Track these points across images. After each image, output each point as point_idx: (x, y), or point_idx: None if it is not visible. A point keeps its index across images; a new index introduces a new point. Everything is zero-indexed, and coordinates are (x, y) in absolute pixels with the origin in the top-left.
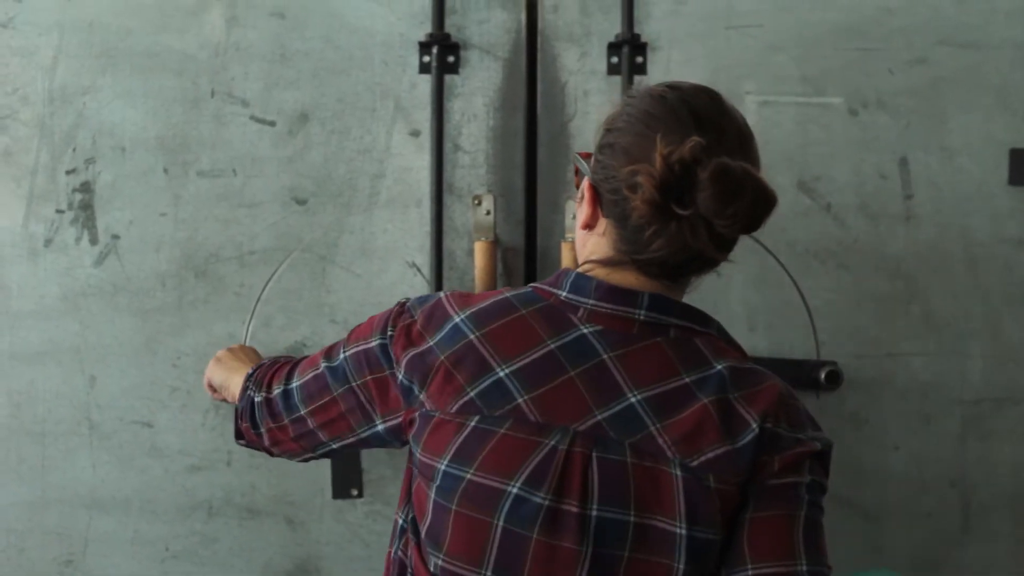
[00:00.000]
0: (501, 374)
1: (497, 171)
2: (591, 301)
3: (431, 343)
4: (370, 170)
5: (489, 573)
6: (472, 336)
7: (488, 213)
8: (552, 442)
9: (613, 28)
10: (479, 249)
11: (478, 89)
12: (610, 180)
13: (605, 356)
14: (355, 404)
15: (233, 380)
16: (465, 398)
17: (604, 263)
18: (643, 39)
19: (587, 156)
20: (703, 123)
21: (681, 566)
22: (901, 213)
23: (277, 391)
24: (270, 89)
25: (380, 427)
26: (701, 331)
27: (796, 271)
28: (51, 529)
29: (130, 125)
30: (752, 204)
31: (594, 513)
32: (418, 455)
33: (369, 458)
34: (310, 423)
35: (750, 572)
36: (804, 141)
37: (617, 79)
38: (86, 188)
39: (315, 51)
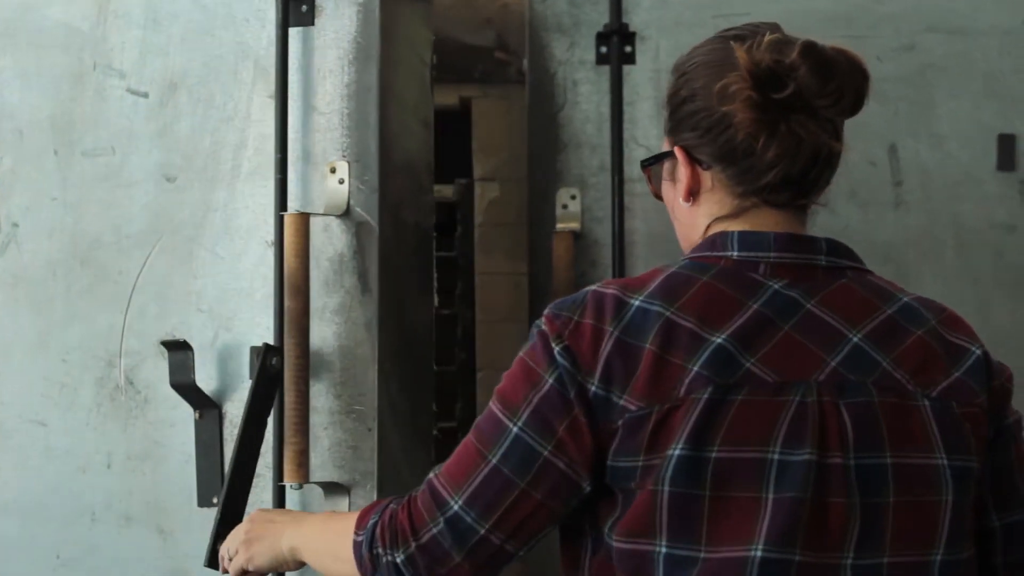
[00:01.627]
0: (719, 340)
1: (352, 133)
2: (772, 254)
3: (616, 333)
4: (232, 140)
5: (760, 548)
6: (668, 313)
7: (342, 182)
8: (797, 398)
9: (601, 18)
10: (288, 222)
11: (332, 41)
12: (700, 122)
13: (808, 305)
14: (557, 480)
15: (311, 546)
16: (691, 376)
17: (733, 215)
18: (631, 28)
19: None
20: (771, 30)
21: (949, 498)
22: (891, 200)
23: (433, 529)
24: (144, 57)
25: (587, 488)
26: (866, 269)
27: None
28: None
29: (26, 106)
30: (850, 75)
31: (852, 462)
32: (623, 464)
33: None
34: (496, 539)
35: None
36: None
37: (606, 69)
38: None
39: (183, 12)
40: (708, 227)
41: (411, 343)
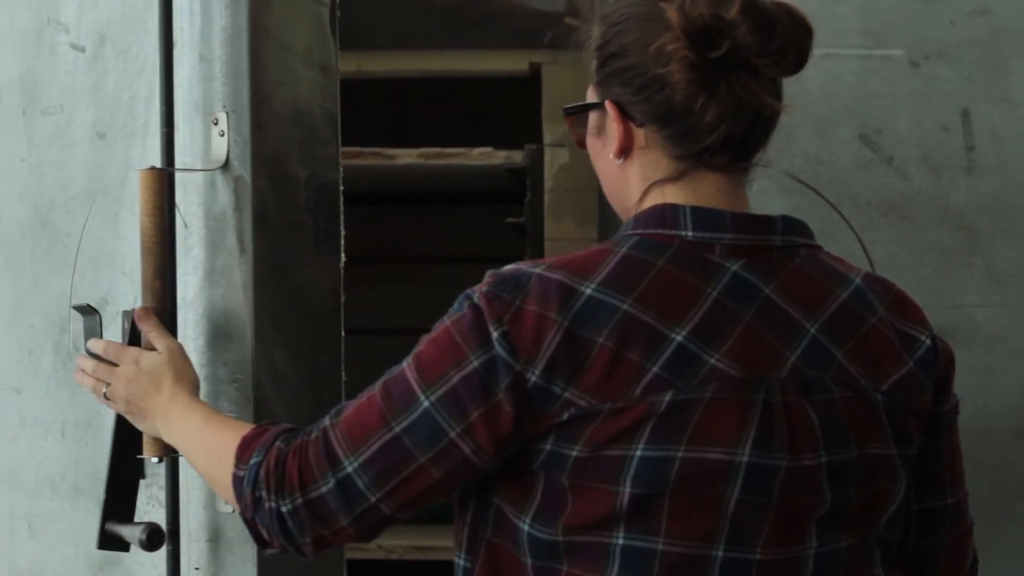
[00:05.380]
0: (679, 338)
1: (229, 82)
2: (728, 236)
3: (566, 324)
4: (143, 94)
5: (721, 547)
6: (624, 305)
7: (223, 135)
8: (762, 396)
9: None
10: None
11: None
12: (633, 80)
13: (767, 290)
14: (459, 463)
15: (185, 450)
16: (649, 376)
17: (672, 179)
18: None
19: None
20: None
21: (900, 487)
22: (963, 165)
23: (322, 487)
24: (81, 10)
25: (489, 471)
26: (817, 245)
27: (858, 224)
28: None
29: (3, 66)
30: (793, 32)
31: (824, 460)
32: (575, 453)
33: None
34: (385, 508)
35: (950, 502)
36: (865, 93)
37: None
38: None
39: None
40: (646, 191)
41: (302, 308)
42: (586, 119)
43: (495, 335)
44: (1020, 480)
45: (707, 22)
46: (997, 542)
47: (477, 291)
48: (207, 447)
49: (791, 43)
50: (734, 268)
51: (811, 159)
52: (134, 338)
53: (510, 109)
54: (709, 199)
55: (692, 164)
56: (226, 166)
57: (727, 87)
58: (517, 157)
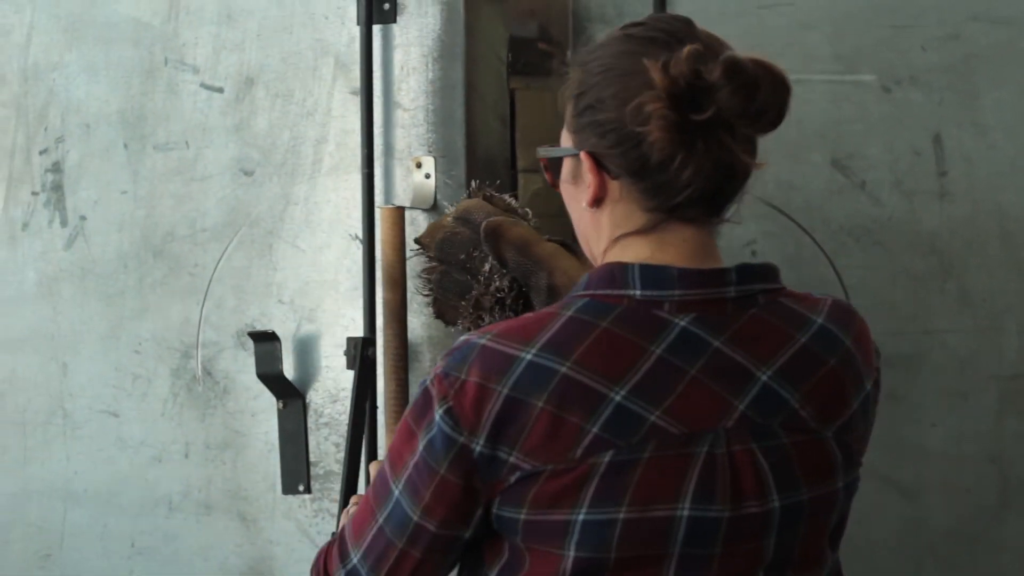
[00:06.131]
0: (618, 398)
1: (437, 129)
2: (677, 292)
3: (504, 391)
4: (313, 135)
5: None
6: (563, 368)
7: (428, 177)
8: (705, 449)
9: (645, 8)
10: (384, 216)
11: (416, 39)
12: (608, 134)
13: (716, 343)
14: (431, 540)
15: None
16: (589, 437)
17: (641, 231)
18: None
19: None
20: (686, 37)
21: (834, 518)
22: (935, 190)
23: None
24: (218, 53)
25: (467, 536)
26: (779, 288)
27: (831, 249)
28: (32, 522)
29: (94, 100)
30: (774, 93)
31: (776, 505)
32: (523, 516)
33: (317, 452)
34: None
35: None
36: (837, 119)
37: None
38: (56, 168)
39: (259, 9)
40: (615, 241)
41: None
42: (560, 163)
43: (438, 414)
44: (995, 504)
45: (690, 83)
46: (971, 567)
47: (432, 374)
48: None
49: (771, 103)
50: (682, 324)
51: (783, 184)
52: (363, 365)
53: None
54: (677, 251)
55: (663, 217)
56: (434, 206)
57: (704, 146)
58: None
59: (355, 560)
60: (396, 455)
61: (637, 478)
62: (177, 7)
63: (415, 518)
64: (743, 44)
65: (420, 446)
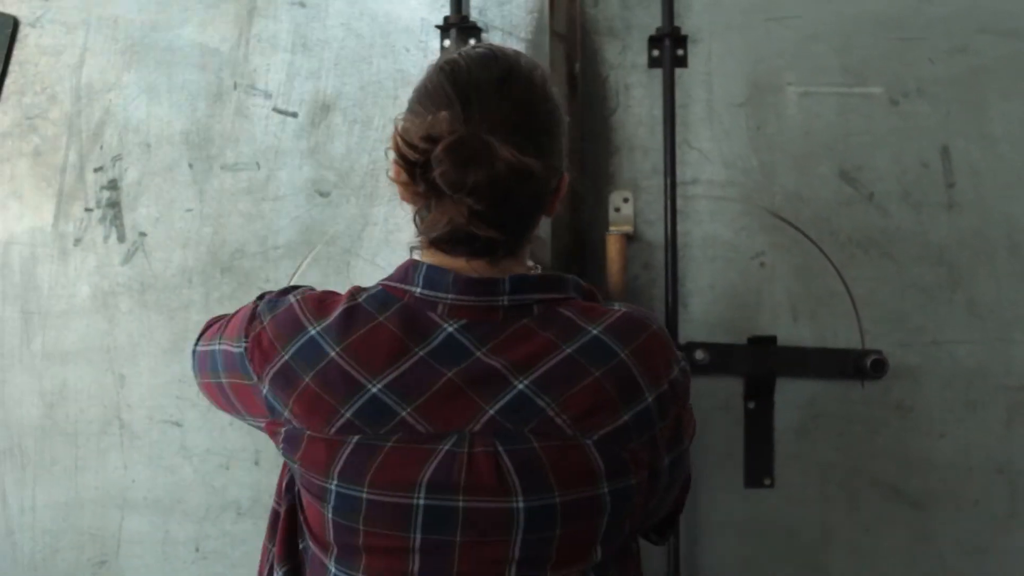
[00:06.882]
0: (374, 390)
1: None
2: (450, 296)
3: (286, 357)
4: None
5: None
6: (333, 352)
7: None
8: (447, 447)
9: (654, 21)
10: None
11: None
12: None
13: (479, 353)
14: (226, 395)
15: None
16: (342, 420)
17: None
18: (683, 32)
19: None
20: (468, 97)
21: (605, 519)
22: (943, 201)
23: (193, 348)
24: (292, 79)
25: (250, 422)
26: (562, 298)
27: (840, 260)
28: (84, 529)
29: (155, 121)
30: (489, 177)
31: (520, 505)
32: (298, 467)
33: None
34: (203, 392)
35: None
36: (845, 131)
37: (658, 72)
38: (113, 186)
39: (336, 39)
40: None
41: None
42: None
43: (244, 343)
44: (1004, 515)
45: (419, 152)
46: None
47: (258, 303)
48: None
49: (487, 179)
50: (450, 329)
51: (792, 196)
52: None
53: None
54: (455, 261)
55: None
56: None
57: (438, 204)
58: None
59: (196, 350)
60: (230, 327)
61: (379, 463)
62: (247, 35)
63: (222, 380)
64: (752, 57)
65: (236, 348)
